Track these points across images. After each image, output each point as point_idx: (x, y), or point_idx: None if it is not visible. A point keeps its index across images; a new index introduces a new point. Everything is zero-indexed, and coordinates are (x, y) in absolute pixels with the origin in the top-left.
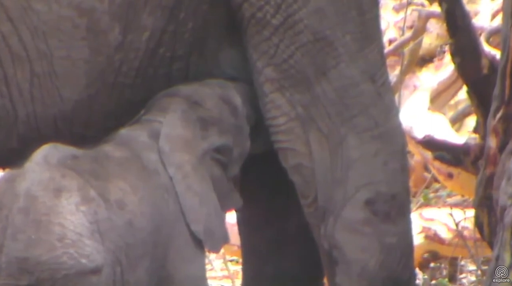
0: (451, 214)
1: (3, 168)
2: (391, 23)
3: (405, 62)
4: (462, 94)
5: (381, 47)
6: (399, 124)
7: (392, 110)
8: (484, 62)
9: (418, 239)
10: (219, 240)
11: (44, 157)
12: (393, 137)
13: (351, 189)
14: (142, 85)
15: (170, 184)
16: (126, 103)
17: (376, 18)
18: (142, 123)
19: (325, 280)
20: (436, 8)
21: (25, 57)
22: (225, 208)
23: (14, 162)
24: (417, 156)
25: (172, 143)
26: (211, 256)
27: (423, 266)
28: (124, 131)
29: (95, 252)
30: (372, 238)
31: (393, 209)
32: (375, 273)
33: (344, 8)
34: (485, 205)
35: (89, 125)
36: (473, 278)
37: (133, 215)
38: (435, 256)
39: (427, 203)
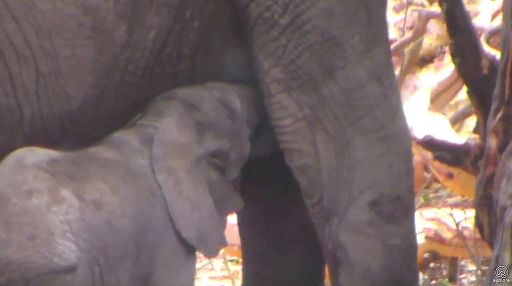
0: (451, 214)
1: None
2: (391, 24)
3: (405, 63)
4: (462, 94)
5: (388, 47)
6: (405, 126)
7: (398, 112)
8: (484, 63)
9: (418, 239)
10: (215, 244)
11: (18, 159)
12: (398, 139)
13: (356, 190)
14: (149, 85)
15: (158, 189)
16: (133, 103)
17: (383, 17)
18: (136, 128)
19: (326, 281)
20: (436, 8)
21: (30, 56)
22: (225, 211)
23: None
24: (417, 156)
25: (165, 148)
26: None
27: (423, 266)
28: (116, 135)
29: (68, 251)
30: (376, 240)
31: (397, 210)
32: (378, 274)
33: (353, 8)
34: (485, 205)
35: (95, 124)
36: (473, 278)
37: (112, 215)
38: (435, 256)
39: (427, 203)
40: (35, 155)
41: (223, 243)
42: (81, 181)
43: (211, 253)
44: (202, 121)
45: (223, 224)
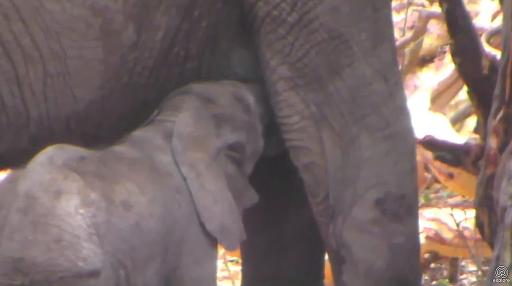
0: (451, 214)
1: (14, 169)
2: None
3: (406, 63)
4: (463, 94)
5: (393, 45)
6: (409, 125)
7: (403, 110)
8: (485, 63)
9: None
10: (235, 238)
11: (49, 158)
12: (403, 138)
13: (361, 188)
14: (156, 85)
15: (183, 185)
16: (139, 103)
17: (388, 16)
18: (156, 124)
19: (325, 281)
20: (436, 8)
21: (38, 57)
22: (241, 205)
23: (26, 162)
24: (418, 156)
25: (184, 142)
26: None
27: (424, 267)
28: (138, 133)
29: (93, 255)
30: (380, 238)
31: (402, 209)
32: (381, 272)
33: (360, 6)
34: (486, 205)
35: (102, 125)
36: (473, 279)
37: (140, 217)
38: (435, 256)
39: (427, 203)
40: (66, 153)
41: (242, 236)
42: (110, 181)
43: (232, 247)
44: (219, 115)
45: (240, 217)
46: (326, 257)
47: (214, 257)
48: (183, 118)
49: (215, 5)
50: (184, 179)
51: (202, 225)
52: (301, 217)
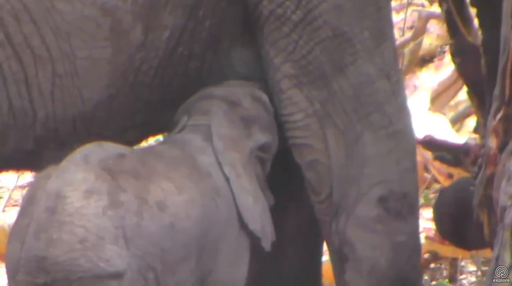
0: None
1: (19, 170)
2: None
3: (405, 63)
4: (462, 94)
5: (394, 44)
6: (410, 123)
7: (404, 108)
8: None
9: None
10: (269, 238)
11: (84, 156)
12: (405, 136)
13: (365, 186)
14: (160, 84)
15: (223, 186)
16: (144, 102)
17: (389, 14)
18: (190, 129)
19: (324, 280)
20: (436, 8)
21: (47, 57)
22: None
23: (29, 163)
24: (418, 156)
25: (224, 141)
26: None
27: (424, 267)
28: (176, 136)
29: (117, 257)
30: (383, 236)
31: (404, 207)
32: (384, 271)
33: (363, 4)
34: (485, 205)
35: (107, 125)
36: (473, 279)
37: (175, 218)
38: (435, 256)
39: (427, 203)
40: (103, 151)
41: (273, 237)
42: (146, 180)
43: (268, 246)
44: (246, 117)
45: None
46: (324, 258)
47: (248, 260)
48: (217, 120)
49: (220, 5)
50: (227, 179)
51: (243, 226)
52: (300, 216)
